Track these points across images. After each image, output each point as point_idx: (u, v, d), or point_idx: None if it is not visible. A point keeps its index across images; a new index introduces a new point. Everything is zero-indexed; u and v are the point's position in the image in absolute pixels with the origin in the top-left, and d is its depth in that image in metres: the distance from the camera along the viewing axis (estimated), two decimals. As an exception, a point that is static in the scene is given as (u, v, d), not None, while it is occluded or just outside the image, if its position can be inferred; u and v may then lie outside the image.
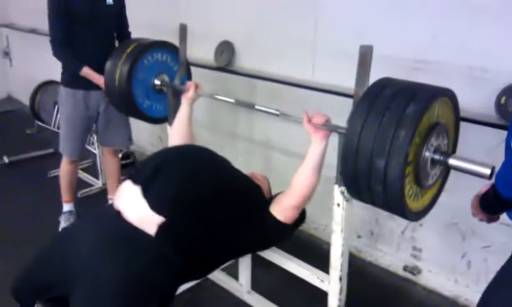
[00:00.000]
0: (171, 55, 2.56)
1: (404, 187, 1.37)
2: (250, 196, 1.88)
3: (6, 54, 6.23)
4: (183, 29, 2.41)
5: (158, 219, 1.56)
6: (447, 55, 2.26)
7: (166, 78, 2.54)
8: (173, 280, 1.61)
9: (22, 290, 1.65)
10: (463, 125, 2.11)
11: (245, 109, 3.33)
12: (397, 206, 1.43)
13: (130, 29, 2.99)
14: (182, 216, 1.62)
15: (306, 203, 1.81)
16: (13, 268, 1.68)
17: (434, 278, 2.58)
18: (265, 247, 1.98)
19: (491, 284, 1.38)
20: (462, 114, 2.14)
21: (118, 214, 1.61)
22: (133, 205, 1.61)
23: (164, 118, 2.58)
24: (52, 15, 2.66)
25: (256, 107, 2.10)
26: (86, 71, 2.68)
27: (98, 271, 1.48)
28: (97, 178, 3.78)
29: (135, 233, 1.56)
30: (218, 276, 2.39)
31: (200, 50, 3.32)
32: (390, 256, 2.77)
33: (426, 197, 1.59)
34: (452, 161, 1.46)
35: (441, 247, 2.51)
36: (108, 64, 2.49)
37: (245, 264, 2.28)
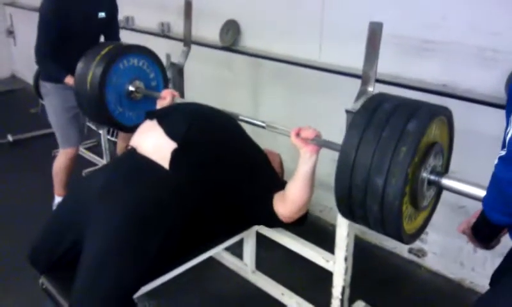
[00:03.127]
0: (147, 61, 2.44)
1: (402, 204, 1.30)
2: (259, 157, 1.92)
3: (10, 32, 6.18)
4: (188, 6, 2.37)
5: (172, 145, 1.63)
6: (457, 36, 2.22)
7: (140, 84, 2.41)
8: (182, 216, 1.62)
9: (38, 254, 1.65)
10: (472, 106, 2.10)
11: (249, 89, 3.32)
12: (392, 226, 1.35)
13: (135, 8, 2.95)
14: (194, 143, 1.68)
15: (304, 211, 1.76)
16: (19, 247, 1.68)
17: (439, 261, 2.58)
18: (264, 222, 1.94)
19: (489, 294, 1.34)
20: (471, 95, 2.14)
21: (133, 151, 1.69)
22: (148, 134, 1.71)
23: (135, 126, 2.49)
24: (41, 28, 2.62)
25: (241, 117, 1.96)
26: (69, 81, 2.60)
27: (112, 202, 1.53)
28: (101, 157, 3.77)
29: (150, 166, 1.62)
30: (223, 255, 2.39)
31: (205, 29, 3.29)
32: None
33: (419, 219, 1.52)
34: (445, 181, 1.38)
35: (447, 230, 2.50)
36: (79, 66, 2.33)
37: (250, 244, 2.28)
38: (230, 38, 3.21)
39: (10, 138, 4.20)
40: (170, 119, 1.75)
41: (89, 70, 2.25)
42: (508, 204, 1.03)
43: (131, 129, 2.37)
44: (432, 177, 1.38)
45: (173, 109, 1.85)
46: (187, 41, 2.51)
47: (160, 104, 2.17)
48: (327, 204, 3.04)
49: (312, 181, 1.68)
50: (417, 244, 2.65)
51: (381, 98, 1.41)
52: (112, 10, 2.82)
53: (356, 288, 1.94)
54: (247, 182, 1.77)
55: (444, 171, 1.52)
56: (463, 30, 2.21)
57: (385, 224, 1.36)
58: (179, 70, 2.41)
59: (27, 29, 6.03)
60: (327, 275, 1.92)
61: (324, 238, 2.03)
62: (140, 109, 2.43)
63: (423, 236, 2.61)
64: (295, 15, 2.90)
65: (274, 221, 1.77)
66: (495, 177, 1.07)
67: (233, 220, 1.86)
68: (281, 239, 2.08)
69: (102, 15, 2.72)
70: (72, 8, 2.59)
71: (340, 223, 1.78)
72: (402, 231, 1.36)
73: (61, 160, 2.89)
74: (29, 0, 5.53)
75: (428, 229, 2.55)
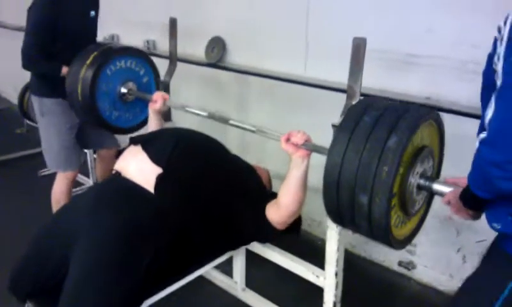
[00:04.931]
0: (135, 59, 2.43)
1: (390, 220, 1.31)
2: (245, 170, 1.93)
3: (-6, 52, 6.14)
4: (173, 24, 2.38)
5: (156, 170, 1.63)
6: (440, 50, 2.25)
7: (132, 85, 2.41)
8: (169, 237, 1.60)
9: (19, 280, 1.61)
10: (456, 118, 2.12)
11: (236, 105, 3.32)
12: (383, 238, 1.37)
13: (120, 25, 2.93)
14: (179, 168, 1.68)
15: (297, 214, 1.78)
16: (4, 269, 1.64)
17: (429, 273, 2.58)
18: (257, 239, 1.95)
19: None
20: (455, 107, 2.16)
21: (117, 175, 1.69)
22: (133, 159, 1.71)
23: (134, 127, 2.50)
24: (33, 30, 2.49)
25: (231, 122, 1.96)
26: (65, 71, 2.47)
27: (98, 222, 1.52)
28: (88, 176, 3.73)
29: (135, 189, 1.62)
30: (212, 274, 2.37)
31: (191, 46, 3.29)
32: (385, 252, 2.76)
33: (413, 221, 1.54)
34: (437, 187, 1.38)
35: (436, 242, 2.51)
36: (68, 80, 2.32)
37: (239, 261, 2.26)
38: (216, 54, 3.22)
39: (-5, 159, 4.15)
40: (154, 144, 1.75)
41: (78, 82, 2.23)
42: (490, 184, 1.06)
43: (130, 130, 2.47)
44: (422, 182, 1.38)
45: (157, 134, 1.87)
46: (173, 58, 2.51)
47: (151, 107, 2.20)
48: (315, 219, 3.03)
49: (305, 185, 1.69)
50: (406, 257, 2.65)
51: (363, 107, 1.38)
52: (98, 9, 2.72)
53: (346, 303, 1.93)
54: (237, 199, 1.77)
55: (436, 172, 1.52)
56: (446, 43, 2.24)
57: (376, 236, 1.38)
58: (165, 88, 2.41)
59: (10, 47, 6.02)
60: (318, 291, 1.90)
61: (314, 253, 2.02)
62: (135, 108, 2.46)
63: (412, 248, 2.62)
64: (280, 31, 2.92)
65: (268, 232, 1.78)
66: (477, 159, 1.09)
67: (223, 240, 1.85)
68: (271, 256, 2.06)
69: (92, 13, 2.63)
70: (69, 6, 2.47)
71: (329, 238, 1.78)
72: (393, 240, 1.38)
73: (62, 184, 2.70)
74: (13, 19, 5.51)
75: (416, 241, 2.59)
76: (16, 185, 3.79)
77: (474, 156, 1.11)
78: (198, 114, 2.12)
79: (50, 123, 2.63)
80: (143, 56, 2.46)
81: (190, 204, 1.66)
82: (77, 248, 1.48)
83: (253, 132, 1.86)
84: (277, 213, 1.74)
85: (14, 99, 4.88)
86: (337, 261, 1.79)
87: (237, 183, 1.82)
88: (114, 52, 2.33)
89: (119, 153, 1.83)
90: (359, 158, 1.28)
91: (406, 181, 1.33)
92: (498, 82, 1.04)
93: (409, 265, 2.64)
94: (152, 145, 1.74)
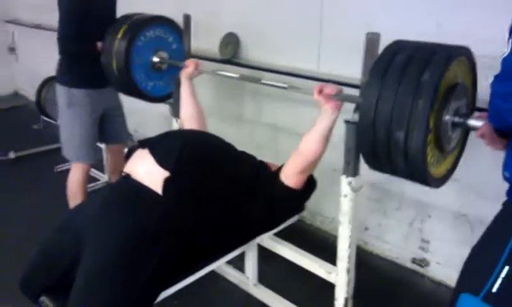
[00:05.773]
0: (164, 28, 2.48)
1: (426, 156, 1.33)
2: (254, 166, 1.93)
3: (12, 50, 6.24)
4: (187, 20, 2.39)
5: (164, 174, 1.62)
6: (451, 43, 2.22)
7: (164, 54, 2.47)
8: (176, 244, 1.61)
9: (32, 278, 1.64)
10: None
11: (251, 93, 3.32)
12: (420, 176, 1.39)
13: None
14: (187, 171, 1.68)
15: (313, 169, 1.78)
16: (20, 265, 1.67)
17: (442, 270, 2.56)
18: (277, 218, 1.94)
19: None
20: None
21: (126, 176, 1.70)
22: (141, 162, 1.70)
23: (168, 95, 2.56)
24: (66, 16, 2.56)
25: (263, 81, 2.02)
26: (101, 46, 2.49)
27: (106, 224, 1.54)
28: (103, 172, 3.78)
29: (143, 191, 1.62)
30: (225, 269, 2.38)
31: (205, 42, 3.30)
32: (398, 249, 2.74)
33: (448, 160, 1.55)
34: (472, 122, 1.40)
35: (450, 239, 2.48)
36: (103, 55, 2.40)
37: (251, 257, 2.27)
38: (230, 51, 3.22)
39: (12, 155, 4.21)
40: (161, 148, 1.75)
41: (112, 57, 2.32)
42: (501, 116, 1.13)
43: (166, 98, 2.55)
44: (457, 119, 1.40)
45: (165, 136, 1.86)
46: (187, 54, 2.51)
47: (184, 73, 2.27)
48: (328, 215, 3.03)
49: (328, 138, 1.70)
50: (420, 254, 2.63)
51: (395, 48, 1.42)
52: None
53: (359, 299, 1.92)
54: (248, 195, 1.77)
55: (470, 109, 1.52)
56: (457, 38, 2.20)
57: (412, 174, 1.40)
58: (178, 83, 2.42)
59: (29, 46, 6.13)
60: (330, 287, 1.90)
61: (327, 250, 2.02)
62: (168, 77, 2.50)
63: (425, 245, 2.60)
64: (293, 27, 2.91)
65: (288, 196, 1.78)
66: (491, 93, 1.16)
67: (235, 237, 1.87)
68: (283, 251, 2.07)
69: None
70: None
71: (341, 234, 1.77)
72: (430, 177, 1.40)
73: (79, 176, 2.74)
74: (31, 17, 5.59)
75: (430, 238, 2.57)
76: (33, 180, 3.84)
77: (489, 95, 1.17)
78: (230, 77, 2.26)
79: (76, 115, 2.66)
80: (170, 24, 2.49)
81: (198, 205, 1.67)
82: (86, 251, 1.50)
83: (284, 88, 1.93)
84: (292, 164, 1.75)
85: (32, 96, 4.94)
86: (349, 257, 1.78)
87: (246, 178, 1.82)
88: (142, 22, 2.38)
89: (128, 154, 1.83)
90: (394, 95, 1.31)
91: (440, 118, 1.35)
92: None
93: (423, 262, 2.62)
94: (159, 148, 1.74)
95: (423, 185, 1.46)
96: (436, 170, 1.47)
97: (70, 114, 2.67)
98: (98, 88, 2.66)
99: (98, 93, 2.68)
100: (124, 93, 2.61)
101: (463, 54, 1.42)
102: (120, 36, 2.30)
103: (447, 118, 1.37)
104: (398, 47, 1.43)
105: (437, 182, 1.49)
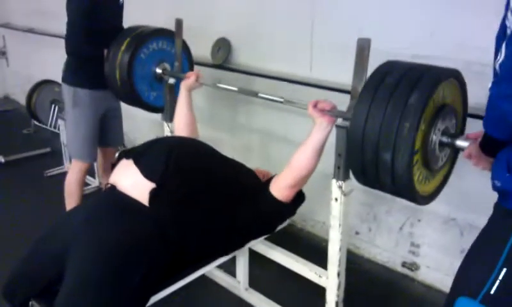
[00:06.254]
0: (166, 40, 2.52)
1: (412, 176, 1.35)
2: (243, 175, 1.93)
3: (3, 53, 6.19)
4: (179, 24, 2.40)
5: (150, 185, 1.62)
6: (445, 51, 2.25)
7: (166, 65, 2.52)
8: (164, 253, 1.60)
9: (16, 285, 1.62)
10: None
11: (244, 103, 3.33)
12: (407, 194, 1.42)
13: (126, 25, 2.96)
14: (172, 183, 1.66)
15: (304, 183, 1.79)
16: (7, 270, 1.66)
17: (432, 274, 2.57)
18: (264, 229, 1.93)
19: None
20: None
21: (112, 188, 1.68)
22: (126, 173, 1.69)
23: None
24: (75, 19, 2.58)
25: (260, 95, 2.06)
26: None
27: (95, 235, 1.52)
28: (93, 176, 3.76)
29: (130, 203, 1.61)
30: (215, 273, 2.38)
31: (196, 47, 3.30)
32: (388, 253, 2.76)
33: (438, 178, 1.57)
34: (459, 143, 1.42)
35: (440, 243, 2.50)
36: (106, 65, 2.44)
37: (242, 261, 2.27)
38: (222, 55, 3.23)
39: (2, 159, 4.18)
40: (146, 159, 1.73)
41: (115, 68, 2.37)
42: (503, 120, 1.12)
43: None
44: (444, 139, 1.42)
45: (150, 145, 1.83)
46: (178, 57, 2.51)
47: (184, 84, 2.30)
48: (319, 220, 3.04)
49: (321, 153, 1.71)
50: (410, 258, 2.65)
51: (386, 68, 1.44)
52: None
53: (349, 303, 1.93)
54: (236, 201, 1.77)
55: (459, 130, 1.55)
56: (450, 46, 2.24)
57: (400, 193, 1.43)
58: (170, 88, 2.43)
59: (20, 50, 6.10)
60: (321, 291, 1.91)
61: (318, 255, 2.02)
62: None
63: (415, 249, 2.62)
64: (285, 32, 2.93)
65: (277, 209, 1.79)
66: (489, 101, 1.15)
67: (225, 244, 1.86)
68: (274, 255, 2.08)
69: (121, 1, 2.72)
70: None
71: (332, 238, 1.78)
72: (417, 195, 1.43)
73: (77, 174, 2.78)
74: (22, 21, 5.57)
75: (420, 242, 2.58)
76: (23, 185, 3.82)
77: (487, 102, 1.16)
78: (229, 90, 2.30)
79: (81, 114, 2.71)
80: (172, 36, 2.50)
81: (186, 215, 1.66)
82: (73, 260, 1.49)
83: (281, 102, 1.95)
84: (285, 177, 1.75)
85: (22, 100, 4.92)
86: (339, 261, 1.79)
87: (235, 187, 1.82)
88: (145, 35, 2.43)
89: (113, 164, 1.82)
90: (382, 116, 1.33)
91: (428, 138, 1.38)
92: (509, 31, 1.11)
93: (413, 266, 2.64)
94: (144, 159, 1.72)
95: (411, 202, 1.48)
96: (425, 187, 1.50)
97: (76, 114, 2.72)
98: (102, 89, 2.68)
99: (102, 93, 2.71)
100: (126, 103, 2.64)
101: (451, 76, 1.44)
102: (123, 48, 2.36)
103: (434, 138, 1.39)
104: (389, 67, 1.45)
105: (425, 200, 1.51)
